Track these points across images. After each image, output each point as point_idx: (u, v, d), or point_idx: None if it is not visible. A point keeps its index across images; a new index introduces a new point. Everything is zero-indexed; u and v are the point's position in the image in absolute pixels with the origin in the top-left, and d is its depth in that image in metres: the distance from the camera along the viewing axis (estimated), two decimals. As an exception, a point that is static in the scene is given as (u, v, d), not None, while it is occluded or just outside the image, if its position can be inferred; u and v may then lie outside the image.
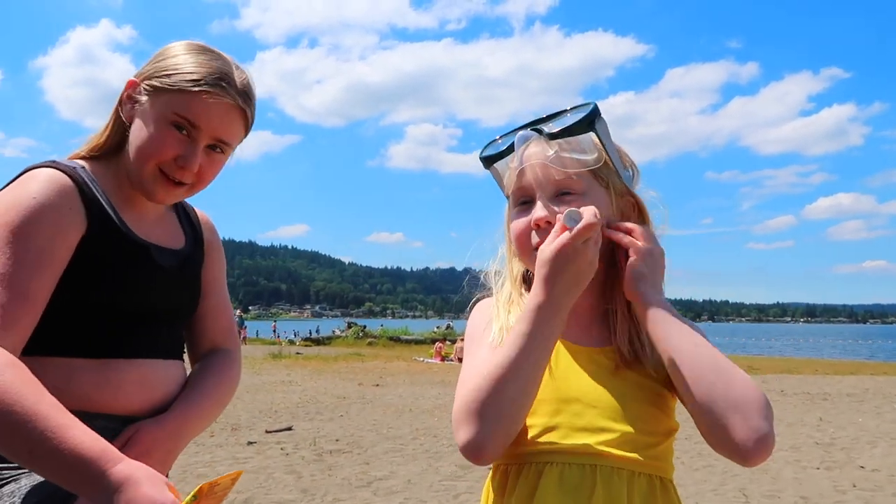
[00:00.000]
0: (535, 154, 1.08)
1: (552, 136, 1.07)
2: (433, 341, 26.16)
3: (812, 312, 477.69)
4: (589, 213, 0.98)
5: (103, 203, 1.20)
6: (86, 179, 1.19)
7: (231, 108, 1.20)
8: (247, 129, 1.27)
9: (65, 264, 1.12)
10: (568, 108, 1.10)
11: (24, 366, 1.00)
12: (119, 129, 1.26)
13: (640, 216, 1.13)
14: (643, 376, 1.06)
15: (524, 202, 1.10)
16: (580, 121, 1.06)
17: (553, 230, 1.00)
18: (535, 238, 1.07)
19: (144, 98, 1.20)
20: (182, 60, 1.19)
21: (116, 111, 1.25)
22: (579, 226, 0.97)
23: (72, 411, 1.02)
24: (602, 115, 1.07)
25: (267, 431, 7.41)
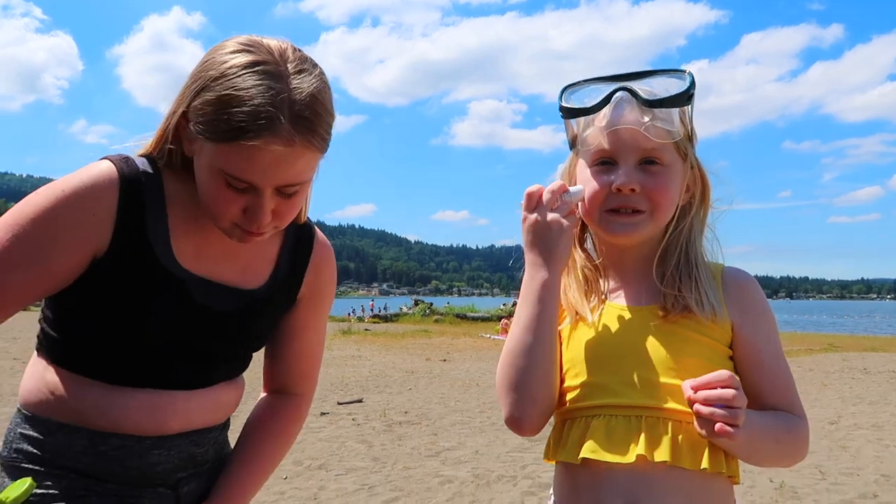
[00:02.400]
0: (629, 119, 1.06)
1: (649, 104, 1.05)
2: (499, 318, 26.24)
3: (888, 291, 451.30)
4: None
5: (148, 222, 1.06)
6: (144, 189, 1.05)
7: (287, 152, 0.97)
8: (321, 153, 1.03)
9: (66, 273, 1.03)
10: (658, 70, 1.09)
11: None
12: (181, 151, 1.08)
13: (703, 188, 1.14)
14: (693, 330, 1.06)
15: (604, 162, 1.09)
16: (681, 94, 1.05)
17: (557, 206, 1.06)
18: (611, 202, 1.08)
19: (194, 141, 1.02)
20: (222, 92, 0.96)
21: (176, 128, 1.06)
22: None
23: (86, 428, 1.06)
24: None
25: (339, 403, 7.67)
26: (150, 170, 1.07)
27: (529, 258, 1.09)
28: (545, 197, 1.07)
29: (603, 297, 1.14)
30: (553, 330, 1.07)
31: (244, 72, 0.96)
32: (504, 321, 22.27)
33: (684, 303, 1.07)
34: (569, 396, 1.09)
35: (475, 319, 29.34)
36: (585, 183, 1.11)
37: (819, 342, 18.96)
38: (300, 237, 1.23)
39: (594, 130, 1.09)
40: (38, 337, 1.15)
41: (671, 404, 1.01)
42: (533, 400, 1.05)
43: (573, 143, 1.16)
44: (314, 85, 0.99)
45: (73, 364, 1.09)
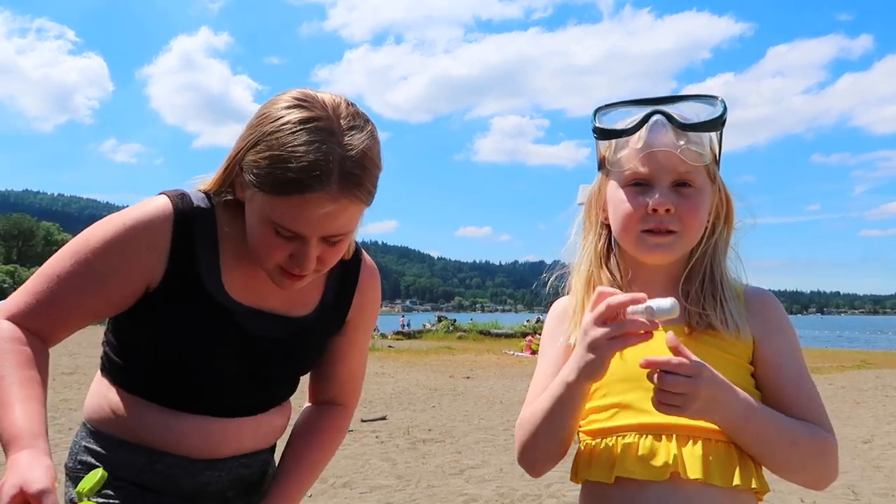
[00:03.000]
0: (665, 141, 1.08)
1: (684, 128, 1.08)
2: (523, 335, 26.08)
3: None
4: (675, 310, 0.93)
5: (200, 255, 1.12)
6: (197, 224, 1.12)
7: (335, 206, 1.00)
8: (366, 205, 1.07)
9: (120, 301, 1.10)
10: (690, 94, 1.13)
11: (20, 340, 1.03)
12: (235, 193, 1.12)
13: (728, 210, 1.16)
14: (716, 348, 1.07)
15: (638, 184, 1.10)
16: (715, 119, 1.08)
17: (628, 320, 0.95)
18: (647, 222, 1.09)
19: (246, 188, 1.07)
20: (276, 148, 1.00)
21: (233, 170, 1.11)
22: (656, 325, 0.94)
23: (144, 447, 1.14)
24: None
25: (362, 420, 7.67)
26: (204, 205, 1.13)
27: (581, 362, 0.99)
28: (629, 313, 0.96)
29: None
30: (575, 416, 1.06)
31: (298, 128, 0.99)
32: (529, 338, 22.13)
33: (708, 321, 1.08)
34: (596, 417, 1.10)
35: (499, 336, 29.20)
36: (619, 204, 1.12)
37: (852, 359, 18.54)
38: (347, 264, 1.26)
39: (629, 152, 1.11)
40: (101, 358, 1.23)
41: (700, 422, 1.01)
42: (546, 457, 1.11)
43: (602, 164, 1.17)
44: (365, 142, 1.03)
45: (131, 386, 1.17)
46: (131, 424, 1.15)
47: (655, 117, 1.09)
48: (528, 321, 35.12)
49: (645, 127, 1.09)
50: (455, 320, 35.07)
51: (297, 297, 1.20)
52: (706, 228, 1.14)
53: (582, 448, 1.13)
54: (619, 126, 1.12)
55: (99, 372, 1.24)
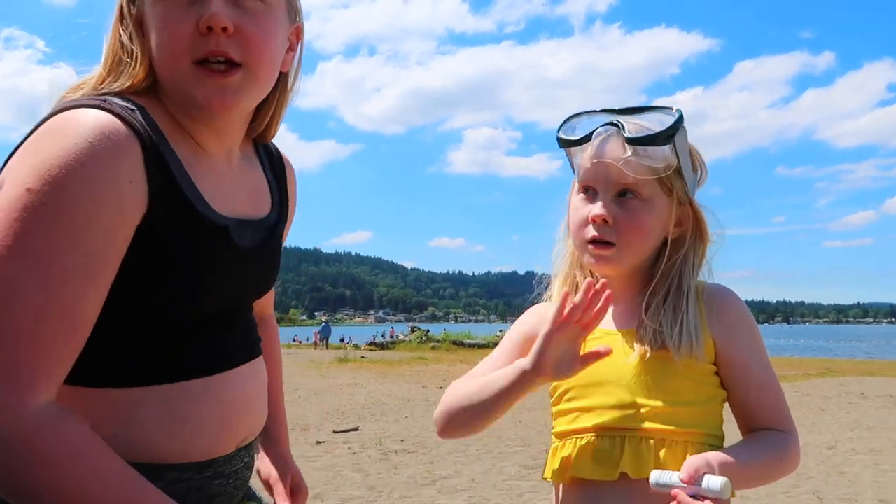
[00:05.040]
0: (611, 151, 1.10)
1: (631, 142, 1.08)
2: (496, 345, 26.08)
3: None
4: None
5: (172, 167, 0.86)
6: (150, 131, 0.84)
7: None
8: None
9: (120, 261, 0.82)
10: (653, 104, 1.13)
11: (82, 421, 0.79)
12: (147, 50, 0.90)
13: (697, 225, 1.15)
14: (670, 368, 1.07)
15: (587, 191, 1.14)
16: (661, 133, 1.07)
17: None
18: (589, 231, 1.12)
19: (139, 15, 0.90)
20: None
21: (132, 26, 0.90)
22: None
23: (137, 464, 0.82)
24: (684, 125, 1.09)
25: (334, 432, 7.61)
26: (132, 106, 0.86)
27: (533, 357, 1.04)
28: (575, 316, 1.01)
29: None
30: (512, 403, 1.11)
31: None
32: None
33: (662, 340, 1.08)
34: (563, 419, 1.14)
35: (472, 346, 29.21)
36: (572, 211, 1.17)
37: (816, 367, 18.94)
38: (269, 153, 1.13)
39: (582, 161, 1.15)
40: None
41: (654, 424, 1.05)
42: (463, 432, 1.19)
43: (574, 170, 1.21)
44: None
45: (124, 374, 0.88)
46: (122, 433, 0.86)
47: (605, 128, 1.12)
48: (501, 331, 35.15)
49: (594, 137, 1.12)
50: (428, 331, 35.03)
51: (254, 195, 1.04)
52: (669, 241, 1.13)
53: (550, 448, 1.16)
54: (574, 136, 1.16)
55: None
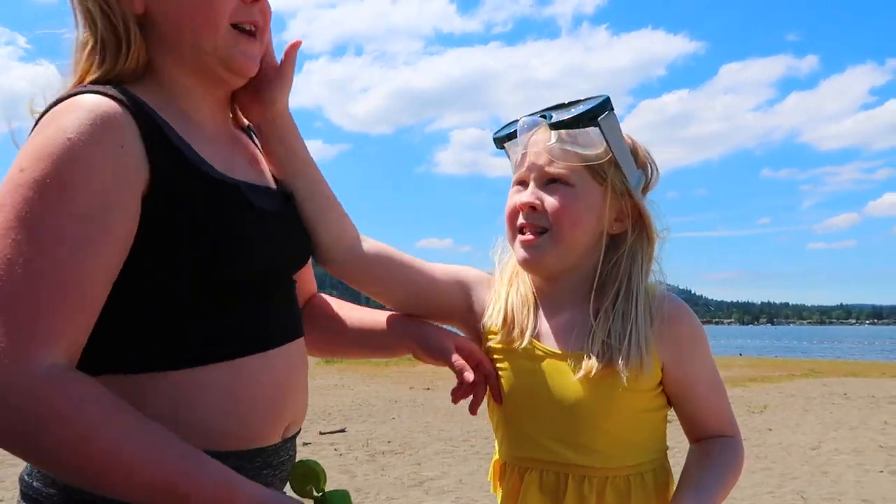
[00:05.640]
0: (537, 141, 1.10)
1: (553, 126, 1.07)
2: (483, 345, 26.07)
3: (879, 314, 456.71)
4: None
5: (171, 137, 0.88)
6: (146, 110, 0.88)
7: None
8: None
9: (131, 231, 0.83)
10: (583, 98, 1.10)
11: (101, 388, 0.78)
12: (140, 36, 0.93)
13: (640, 219, 1.11)
14: (618, 382, 1.03)
15: (519, 183, 1.13)
16: (582, 114, 1.04)
17: None
18: (520, 219, 1.10)
19: None
20: None
21: (115, 14, 0.91)
22: None
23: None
24: (612, 110, 1.05)
25: (321, 433, 7.57)
26: (126, 91, 0.88)
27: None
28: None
29: (527, 335, 1.10)
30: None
31: None
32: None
33: (610, 356, 1.03)
34: (499, 437, 1.15)
35: (459, 347, 29.14)
36: (506, 204, 1.14)
37: (800, 368, 19.09)
38: (252, 129, 1.15)
39: (514, 155, 1.15)
40: (98, 364, 0.85)
41: (597, 462, 1.04)
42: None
43: None
44: None
45: (186, 353, 0.87)
46: (186, 416, 0.86)
47: (532, 118, 1.12)
48: (488, 332, 35.08)
49: (520, 131, 1.12)
50: (415, 331, 34.80)
51: (255, 164, 1.07)
52: (606, 236, 1.09)
53: (497, 463, 1.17)
54: (506, 132, 1.16)
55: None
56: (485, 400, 1.18)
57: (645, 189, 1.13)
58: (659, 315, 1.08)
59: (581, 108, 1.06)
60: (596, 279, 1.10)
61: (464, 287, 1.18)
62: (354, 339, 1.25)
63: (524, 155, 1.11)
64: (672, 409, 1.14)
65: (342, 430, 7.78)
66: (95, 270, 0.80)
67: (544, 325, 1.12)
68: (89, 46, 0.93)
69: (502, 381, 1.12)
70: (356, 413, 9.33)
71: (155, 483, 0.76)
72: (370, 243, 1.12)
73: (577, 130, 1.06)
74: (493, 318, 1.13)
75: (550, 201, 1.07)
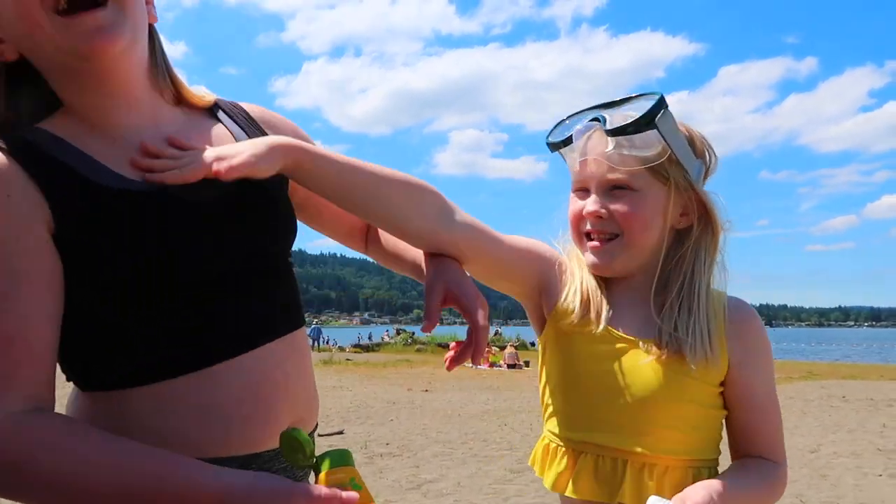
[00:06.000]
0: (594, 147, 1.08)
1: (610, 133, 1.05)
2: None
3: (877, 316, 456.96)
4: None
5: (66, 160, 0.86)
6: (34, 142, 0.86)
7: None
8: None
9: (50, 268, 0.84)
10: (634, 95, 1.08)
11: (68, 419, 0.83)
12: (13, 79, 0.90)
13: (705, 213, 1.10)
14: (685, 374, 1.04)
15: (580, 189, 1.11)
16: (639, 119, 1.03)
17: None
18: (584, 226, 1.09)
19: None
20: None
21: None
22: None
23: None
24: (667, 108, 1.03)
25: (319, 435, 7.51)
26: (7, 142, 0.85)
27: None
28: None
29: (603, 318, 1.09)
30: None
31: None
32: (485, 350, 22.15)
33: (678, 345, 1.03)
34: (557, 419, 1.11)
35: (457, 348, 29.13)
36: (569, 206, 1.13)
37: (799, 370, 19.10)
38: (223, 108, 1.08)
39: (572, 161, 1.13)
40: (77, 385, 0.94)
41: (657, 451, 1.03)
42: None
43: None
44: None
45: (149, 368, 0.87)
46: (163, 428, 0.87)
47: (587, 123, 1.09)
48: (486, 334, 35.12)
49: (576, 137, 1.10)
50: (414, 333, 34.93)
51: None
52: (672, 231, 1.09)
53: (547, 445, 1.13)
54: (560, 138, 1.14)
55: (78, 397, 0.94)
56: (538, 377, 1.16)
57: (705, 176, 1.12)
58: (731, 319, 1.08)
59: (635, 110, 1.04)
60: (658, 273, 1.09)
61: (538, 262, 1.15)
62: (408, 268, 1.22)
63: (582, 162, 1.09)
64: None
65: (340, 433, 7.77)
66: (26, 318, 0.81)
67: (614, 313, 1.10)
68: None
69: (572, 363, 1.10)
70: (354, 415, 9.32)
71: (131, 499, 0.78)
72: (459, 217, 1.08)
73: (632, 135, 1.04)
74: (569, 300, 1.11)
75: (617, 208, 1.06)
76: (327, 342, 36.11)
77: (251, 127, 1.08)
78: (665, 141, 1.03)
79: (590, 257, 1.10)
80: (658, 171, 1.05)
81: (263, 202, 1.00)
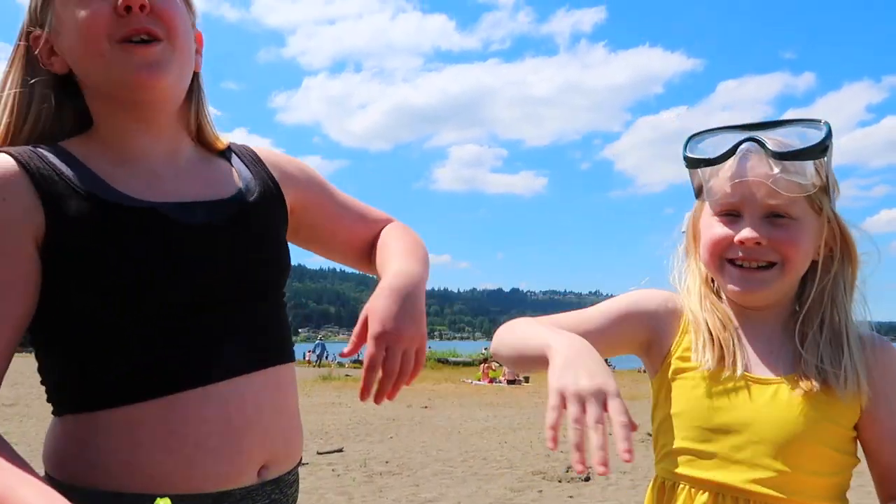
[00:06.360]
0: (756, 170, 1.02)
1: (778, 157, 1.00)
2: (482, 362, 26.06)
3: (877, 332, 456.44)
4: None
5: (71, 175, 0.89)
6: (44, 153, 0.90)
7: None
8: None
9: (23, 276, 0.85)
10: (794, 118, 1.06)
11: None
12: (62, 97, 0.96)
13: (845, 244, 1.07)
14: (822, 413, 0.99)
15: (729, 214, 1.05)
16: (814, 147, 1.00)
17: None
18: (737, 252, 1.03)
19: (50, 31, 0.94)
20: None
21: (30, 88, 0.94)
22: None
23: (130, 495, 0.83)
24: (832, 137, 1.01)
25: (318, 453, 7.48)
26: (22, 152, 0.90)
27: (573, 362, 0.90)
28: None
29: (733, 359, 1.05)
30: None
31: None
32: (483, 366, 22.08)
33: (824, 378, 1.00)
34: (676, 456, 1.05)
35: (457, 364, 29.14)
36: (706, 231, 1.08)
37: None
38: (234, 150, 1.10)
39: (719, 181, 1.05)
40: (51, 396, 0.94)
41: (783, 494, 0.98)
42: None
43: (699, 192, 1.12)
44: None
45: (106, 393, 0.87)
46: (127, 456, 0.85)
47: (746, 144, 1.03)
48: (485, 349, 35.10)
49: (735, 155, 1.04)
50: (413, 349, 34.74)
51: (212, 182, 1.01)
52: (819, 264, 1.06)
53: (659, 483, 1.09)
54: (710, 154, 1.07)
55: (55, 416, 0.94)
56: (651, 417, 1.12)
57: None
58: (869, 354, 1.04)
59: (793, 136, 1.03)
60: (801, 305, 1.07)
61: (638, 324, 1.12)
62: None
63: (737, 184, 1.03)
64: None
65: (339, 450, 7.69)
66: None
67: (749, 351, 1.07)
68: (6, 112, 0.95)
69: (704, 405, 1.04)
70: (353, 432, 9.25)
71: None
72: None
73: (801, 161, 1.01)
74: (699, 351, 1.06)
75: (779, 236, 1.02)
76: (327, 357, 35.97)
77: (256, 166, 1.10)
78: (826, 170, 1.02)
79: (740, 283, 1.05)
80: (813, 199, 1.02)
81: (258, 232, 1.01)
